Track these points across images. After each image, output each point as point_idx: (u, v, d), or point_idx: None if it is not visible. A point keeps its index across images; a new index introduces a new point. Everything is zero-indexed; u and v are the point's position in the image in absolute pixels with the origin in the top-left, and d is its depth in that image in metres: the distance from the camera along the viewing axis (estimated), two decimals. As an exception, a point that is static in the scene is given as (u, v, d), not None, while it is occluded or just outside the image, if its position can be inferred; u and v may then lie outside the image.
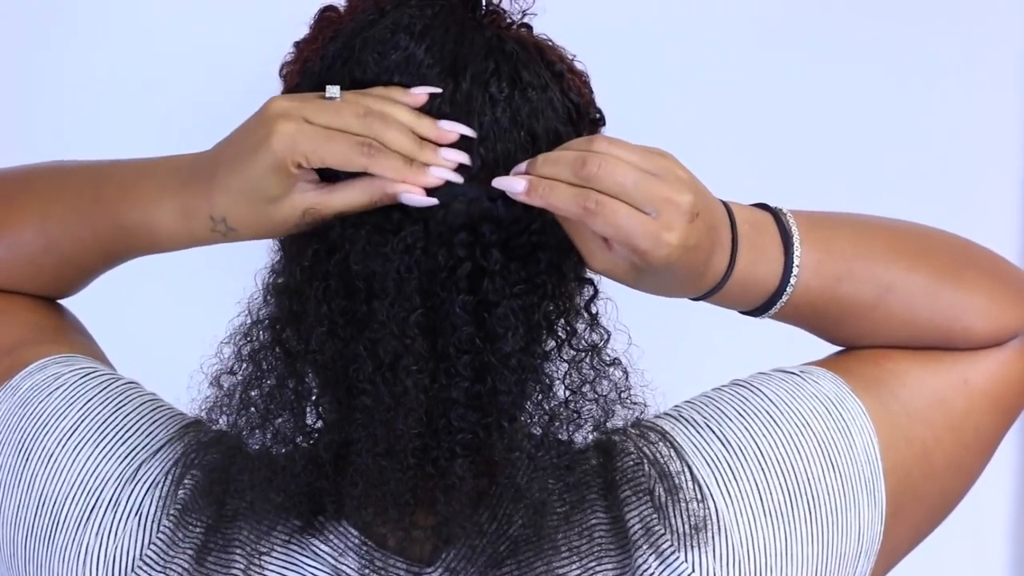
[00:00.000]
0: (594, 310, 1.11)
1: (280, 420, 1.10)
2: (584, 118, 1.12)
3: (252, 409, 1.10)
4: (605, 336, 1.11)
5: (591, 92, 1.14)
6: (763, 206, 1.17)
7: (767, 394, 1.16)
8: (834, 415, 1.16)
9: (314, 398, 1.11)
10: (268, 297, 1.11)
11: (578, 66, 1.13)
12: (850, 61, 2.05)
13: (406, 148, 1.06)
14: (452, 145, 1.07)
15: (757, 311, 1.17)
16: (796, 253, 1.15)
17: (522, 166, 1.07)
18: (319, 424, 1.11)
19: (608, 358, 1.11)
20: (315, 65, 1.11)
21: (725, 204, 1.13)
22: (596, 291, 1.11)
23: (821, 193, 1.87)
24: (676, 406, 1.18)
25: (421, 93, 1.07)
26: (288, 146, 1.06)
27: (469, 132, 1.07)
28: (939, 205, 2.03)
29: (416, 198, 1.06)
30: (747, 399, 1.16)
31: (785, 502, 1.13)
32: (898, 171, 2.07)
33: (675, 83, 2.01)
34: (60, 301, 1.27)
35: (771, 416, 1.15)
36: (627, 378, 1.11)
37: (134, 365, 1.25)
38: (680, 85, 2.02)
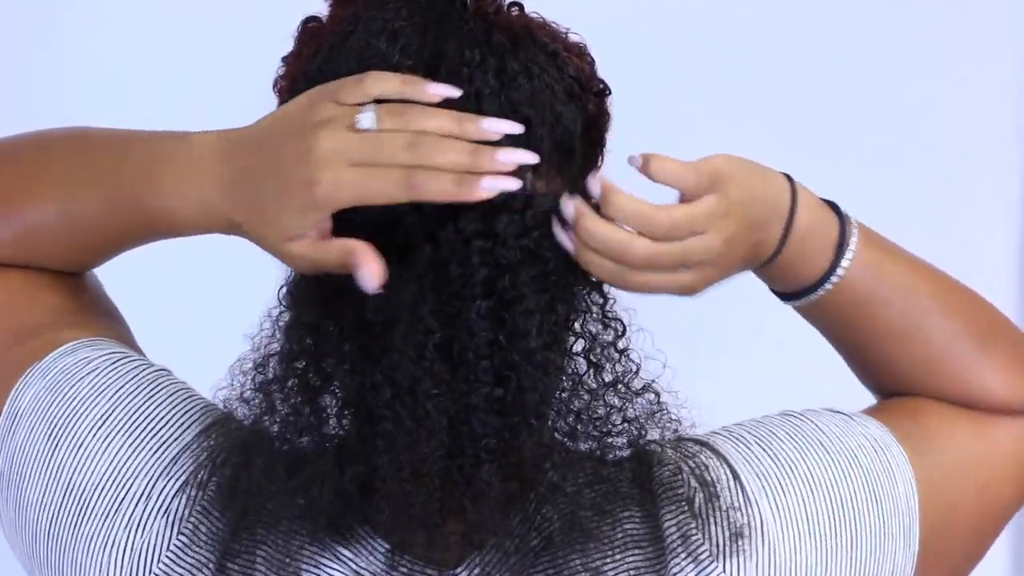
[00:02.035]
0: (621, 345, 1.10)
1: (300, 440, 1.09)
2: (587, 91, 1.10)
3: (272, 429, 1.09)
4: (634, 368, 1.10)
5: (591, 64, 1.12)
6: (831, 204, 1.19)
7: (819, 424, 1.17)
8: (880, 456, 1.16)
9: (332, 419, 1.10)
10: (278, 332, 1.10)
11: (573, 39, 1.12)
12: (848, 53, 2.05)
13: (464, 165, 1.03)
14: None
15: (801, 293, 1.19)
16: (853, 237, 1.17)
17: (570, 207, 1.05)
18: (340, 431, 1.10)
19: (637, 387, 1.10)
20: (301, 84, 1.09)
21: (793, 190, 1.15)
22: (625, 328, 1.11)
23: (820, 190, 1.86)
24: (724, 427, 1.17)
25: (437, 92, 1.03)
26: (331, 194, 1.03)
27: (515, 129, 1.04)
28: (939, 202, 2.04)
29: (373, 284, 1.03)
30: (799, 426, 1.16)
31: (830, 527, 1.13)
32: (896, 169, 2.07)
33: (666, 74, 2.00)
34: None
35: (822, 444, 1.15)
36: (659, 399, 1.11)
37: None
38: (672, 76, 2.01)
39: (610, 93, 1.12)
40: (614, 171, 1.11)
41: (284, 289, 1.11)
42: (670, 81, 2.00)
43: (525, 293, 1.06)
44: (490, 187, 1.03)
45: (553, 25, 1.11)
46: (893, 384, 1.24)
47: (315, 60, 1.09)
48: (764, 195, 1.13)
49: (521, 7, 1.11)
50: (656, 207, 1.07)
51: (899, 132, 2.07)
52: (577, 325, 1.10)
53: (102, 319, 1.22)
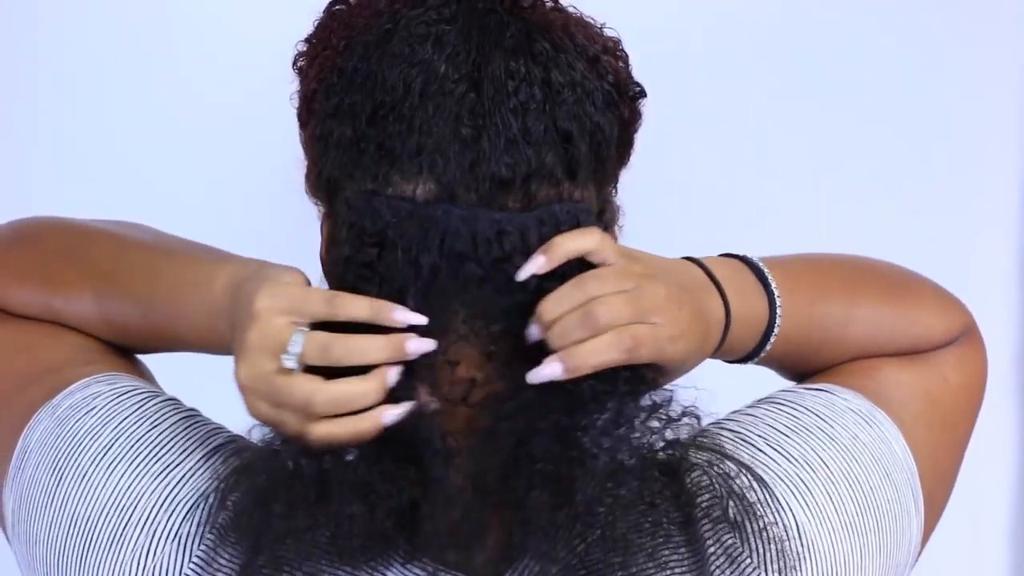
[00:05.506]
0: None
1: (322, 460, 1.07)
2: (624, 97, 1.09)
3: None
4: (668, 395, 1.08)
5: (627, 63, 1.11)
6: (727, 255, 1.19)
7: (811, 409, 1.16)
8: (873, 427, 1.16)
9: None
10: None
11: (608, 34, 1.10)
12: (851, 52, 2.05)
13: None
14: None
15: (753, 352, 1.19)
16: (773, 285, 1.18)
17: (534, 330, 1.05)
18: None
19: (676, 413, 1.08)
20: (333, 77, 1.07)
21: (696, 261, 1.15)
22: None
23: (820, 192, 1.87)
24: (716, 424, 1.15)
25: (404, 319, 1.05)
26: (252, 412, 1.07)
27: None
28: (940, 203, 2.05)
29: None
30: (793, 415, 1.15)
31: (856, 514, 1.12)
32: (897, 169, 2.08)
33: (677, 82, 2.00)
34: None
35: (823, 430, 1.14)
36: (699, 421, 1.09)
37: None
38: (681, 83, 2.01)
39: (645, 96, 1.11)
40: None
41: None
42: (682, 94, 2.00)
43: None
44: (388, 419, 1.05)
45: (589, 20, 1.10)
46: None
47: (351, 55, 1.07)
48: (673, 266, 1.13)
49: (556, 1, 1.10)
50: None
51: (900, 131, 2.07)
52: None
53: (125, 359, 1.23)
